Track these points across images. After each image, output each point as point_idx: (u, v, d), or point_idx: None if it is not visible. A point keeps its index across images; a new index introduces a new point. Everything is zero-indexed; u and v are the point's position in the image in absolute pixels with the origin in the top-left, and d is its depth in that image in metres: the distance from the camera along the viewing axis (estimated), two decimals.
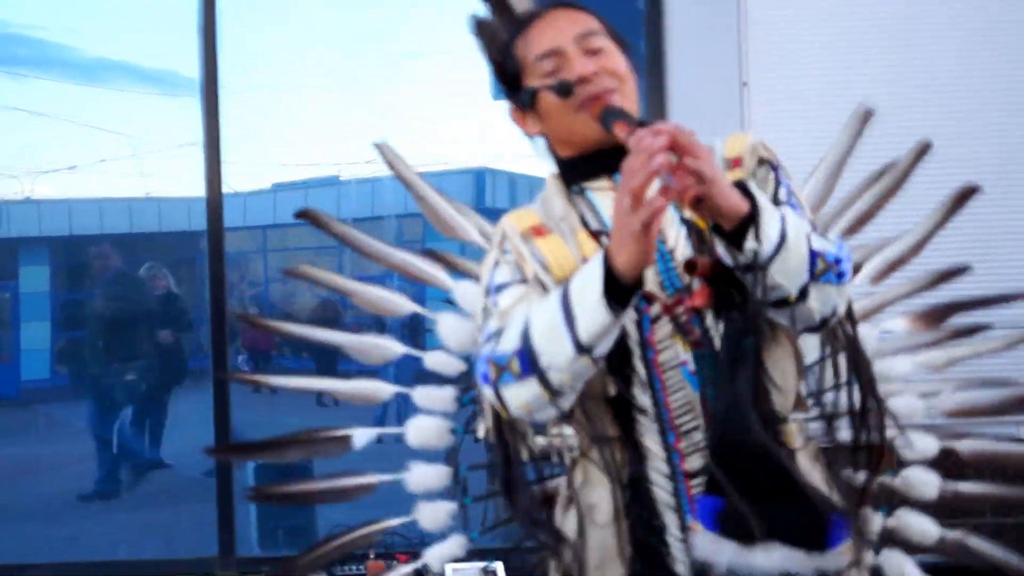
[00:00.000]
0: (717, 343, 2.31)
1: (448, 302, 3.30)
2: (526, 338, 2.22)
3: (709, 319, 2.32)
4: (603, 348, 2.19)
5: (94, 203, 8.09)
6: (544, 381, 2.22)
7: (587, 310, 2.14)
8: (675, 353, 2.33)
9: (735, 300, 2.24)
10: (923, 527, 3.23)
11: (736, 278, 2.23)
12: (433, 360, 3.30)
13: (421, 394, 3.28)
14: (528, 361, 2.22)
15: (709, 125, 2.46)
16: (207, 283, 7.32)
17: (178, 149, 7.55)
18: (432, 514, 3.29)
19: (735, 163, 2.41)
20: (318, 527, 3.12)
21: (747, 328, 2.22)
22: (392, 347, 3.38)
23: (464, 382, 3.28)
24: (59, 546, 7.53)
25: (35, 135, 7.80)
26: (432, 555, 3.31)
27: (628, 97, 2.40)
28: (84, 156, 7.29)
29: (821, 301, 2.27)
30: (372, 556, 4.70)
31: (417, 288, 3.47)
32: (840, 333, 2.53)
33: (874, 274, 3.47)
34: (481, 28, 2.88)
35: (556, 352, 2.18)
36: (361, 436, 3.34)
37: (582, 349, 2.17)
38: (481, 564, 3.50)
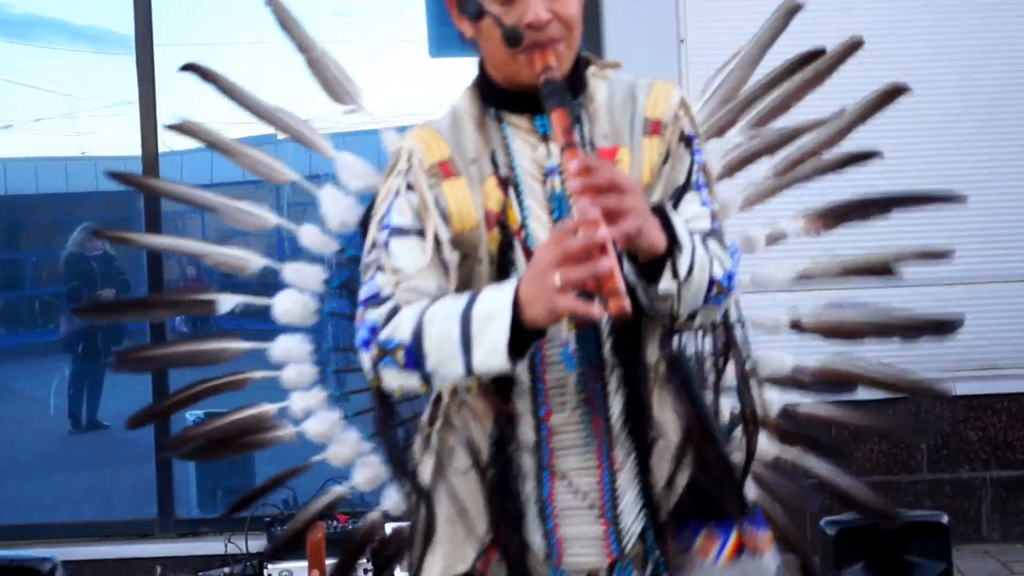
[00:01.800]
0: (602, 329, 2.33)
1: None
2: (417, 338, 2.20)
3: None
4: (489, 376, 2.21)
5: (28, 162, 8.00)
6: (425, 378, 2.24)
7: (487, 348, 2.13)
8: (557, 330, 2.32)
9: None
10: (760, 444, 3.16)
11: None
12: (307, 235, 3.25)
13: (291, 269, 3.25)
14: (415, 360, 2.22)
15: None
16: None
17: (113, 107, 7.44)
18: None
19: (655, 128, 2.39)
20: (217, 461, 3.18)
21: (674, 368, 2.38)
22: (254, 260, 3.32)
23: (335, 263, 3.28)
24: None
25: None
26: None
27: (572, 47, 2.33)
28: (18, 115, 7.22)
29: (704, 318, 2.35)
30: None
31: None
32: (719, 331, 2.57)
33: (782, 166, 3.36)
34: None
35: (445, 365, 2.19)
36: (226, 301, 3.31)
37: (471, 374, 2.17)
38: None
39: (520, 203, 2.35)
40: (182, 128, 3.35)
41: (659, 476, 2.40)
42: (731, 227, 2.97)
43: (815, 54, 3.38)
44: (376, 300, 2.30)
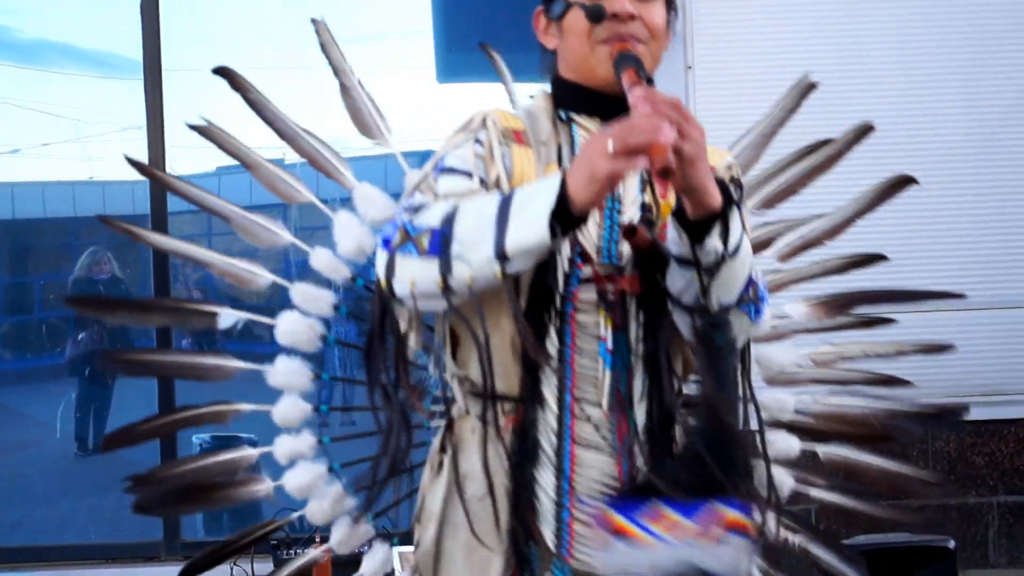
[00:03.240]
0: (632, 331, 2.31)
1: None
2: (448, 222, 2.15)
3: (632, 306, 2.32)
4: (518, 266, 2.14)
5: (37, 186, 8.03)
6: (445, 267, 2.15)
7: (526, 221, 2.08)
8: (595, 321, 2.31)
9: (659, 292, 2.25)
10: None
11: (661, 269, 2.24)
12: (318, 259, 3.20)
13: (300, 291, 3.18)
14: (440, 243, 2.14)
15: None
16: (151, 267, 7.29)
17: (122, 132, 7.48)
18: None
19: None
20: (263, 512, 3.13)
21: (715, 323, 2.22)
22: (262, 275, 3.25)
23: (346, 290, 3.21)
24: (4, 531, 7.49)
25: None
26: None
27: (653, 57, 2.37)
28: (26, 139, 7.24)
29: (733, 325, 2.28)
30: (318, 539, 4.69)
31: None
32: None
33: (785, 251, 3.38)
34: None
35: (474, 246, 2.12)
36: (227, 317, 3.20)
37: (501, 256, 2.10)
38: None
39: None
40: (204, 131, 3.30)
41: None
42: None
43: (824, 143, 3.39)
44: (414, 210, 2.25)
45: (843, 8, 6.54)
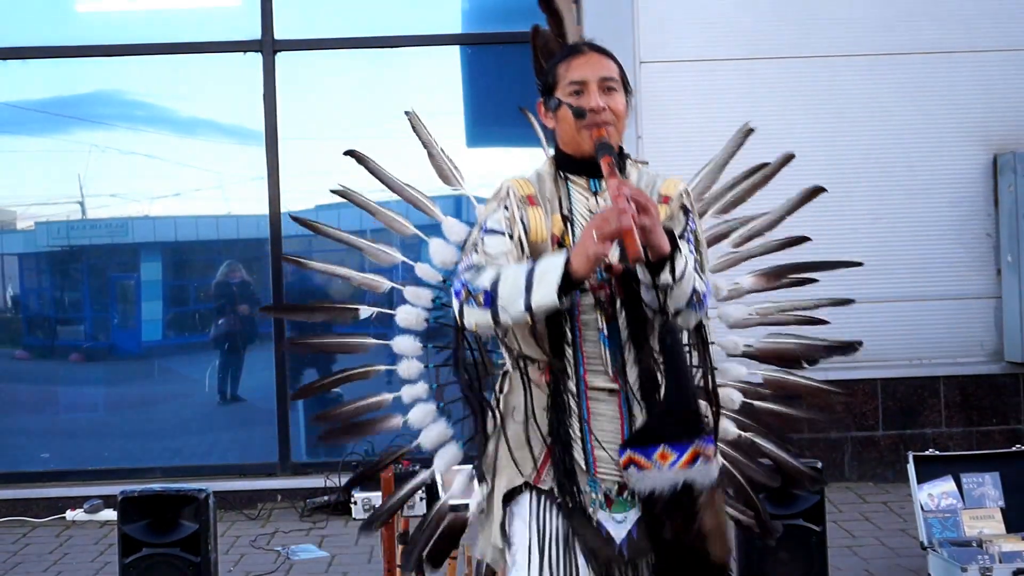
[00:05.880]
0: (620, 321, 2.45)
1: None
2: (495, 285, 2.32)
3: (618, 305, 2.44)
4: (540, 315, 2.31)
5: (192, 218, 8.07)
6: (495, 316, 2.33)
7: (543, 290, 2.26)
8: (594, 317, 2.43)
9: (634, 297, 2.40)
10: (724, 426, 3.12)
11: (636, 280, 2.39)
12: (421, 269, 3.25)
13: (409, 291, 3.25)
14: (489, 300, 2.33)
15: None
16: (270, 274, 7.34)
17: (251, 181, 7.53)
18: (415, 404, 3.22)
19: (664, 199, 2.53)
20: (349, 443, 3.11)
21: (665, 331, 2.41)
22: (385, 283, 3.28)
23: (439, 289, 3.24)
24: (167, 455, 7.52)
25: (150, 172, 7.79)
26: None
27: (619, 130, 2.51)
28: (184, 186, 7.33)
29: (684, 320, 2.45)
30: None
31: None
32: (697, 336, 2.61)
33: (738, 240, 3.39)
34: (536, 36, 2.88)
35: (510, 304, 2.30)
36: (365, 310, 3.27)
37: (528, 310, 2.27)
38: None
39: (573, 233, 2.47)
40: (342, 194, 3.33)
41: None
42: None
43: (762, 165, 3.36)
44: (472, 269, 2.41)
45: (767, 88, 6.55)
